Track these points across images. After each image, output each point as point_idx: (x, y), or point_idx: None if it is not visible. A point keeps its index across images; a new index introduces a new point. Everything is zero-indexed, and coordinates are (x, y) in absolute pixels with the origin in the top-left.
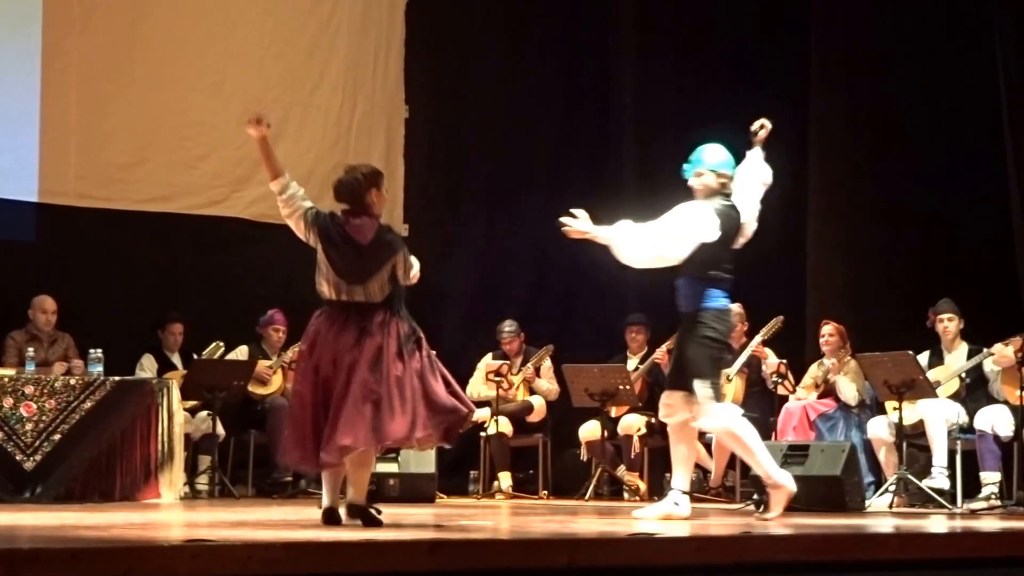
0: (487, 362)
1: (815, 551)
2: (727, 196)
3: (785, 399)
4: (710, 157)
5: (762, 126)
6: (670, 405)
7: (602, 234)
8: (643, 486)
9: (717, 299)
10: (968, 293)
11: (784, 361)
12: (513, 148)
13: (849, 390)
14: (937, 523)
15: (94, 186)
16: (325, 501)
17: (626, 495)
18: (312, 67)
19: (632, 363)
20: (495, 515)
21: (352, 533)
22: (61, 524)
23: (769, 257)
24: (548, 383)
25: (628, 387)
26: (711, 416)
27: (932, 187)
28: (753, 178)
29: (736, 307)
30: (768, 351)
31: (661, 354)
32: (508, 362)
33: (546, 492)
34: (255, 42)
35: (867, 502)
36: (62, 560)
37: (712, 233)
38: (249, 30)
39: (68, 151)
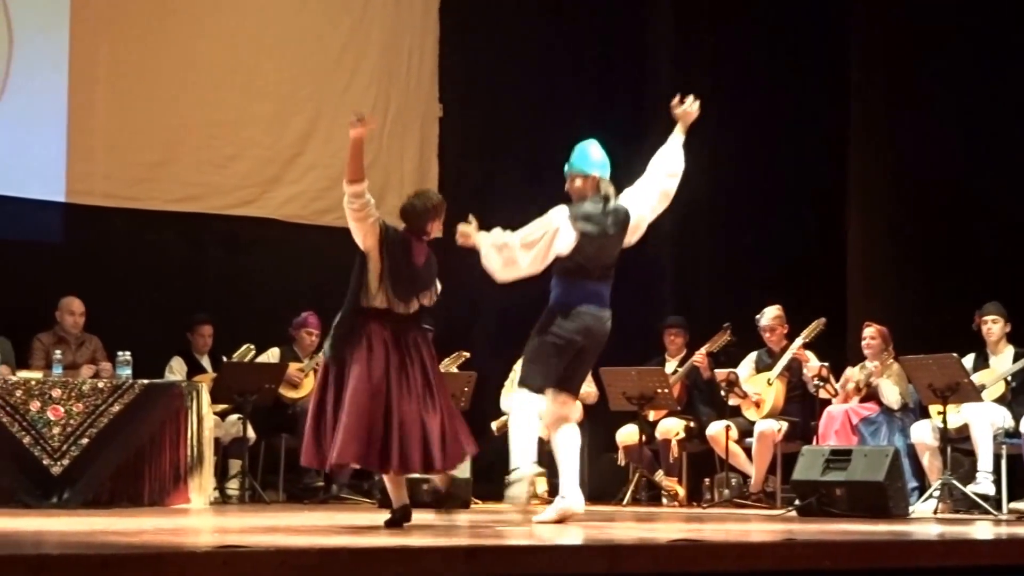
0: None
1: (858, 558)
2: (604, 198)
3: (827, 403)
4: (577, 159)
5: (680, 102)
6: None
7: (477, 241)
8: (682, 491)
9: (571, 299)
10: (1015, 295)
11: (826, 364)
12: (548, 147)
13: (892, 394)
14: (983, 529)
15: (122, 186)
16: (398, 501)
17: (664, 500)
18: (344, 65)
19: (670, 366)
20: (531, 521)
21: (388, 539)
22: (90, 530)
23: (810, 258)
24: (585, 386)
25: (666, 390)
26: (511, 398)
27: (978, 188)
28: (659, 168)
29: (776, 309)
30: (809, 354)
31: (700, 357)
32: None
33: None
34: (286, 40)
35: (911, 508)
36: (91, 566)
37: (564, 245)
38: (280, 27)
39: (96, 150)
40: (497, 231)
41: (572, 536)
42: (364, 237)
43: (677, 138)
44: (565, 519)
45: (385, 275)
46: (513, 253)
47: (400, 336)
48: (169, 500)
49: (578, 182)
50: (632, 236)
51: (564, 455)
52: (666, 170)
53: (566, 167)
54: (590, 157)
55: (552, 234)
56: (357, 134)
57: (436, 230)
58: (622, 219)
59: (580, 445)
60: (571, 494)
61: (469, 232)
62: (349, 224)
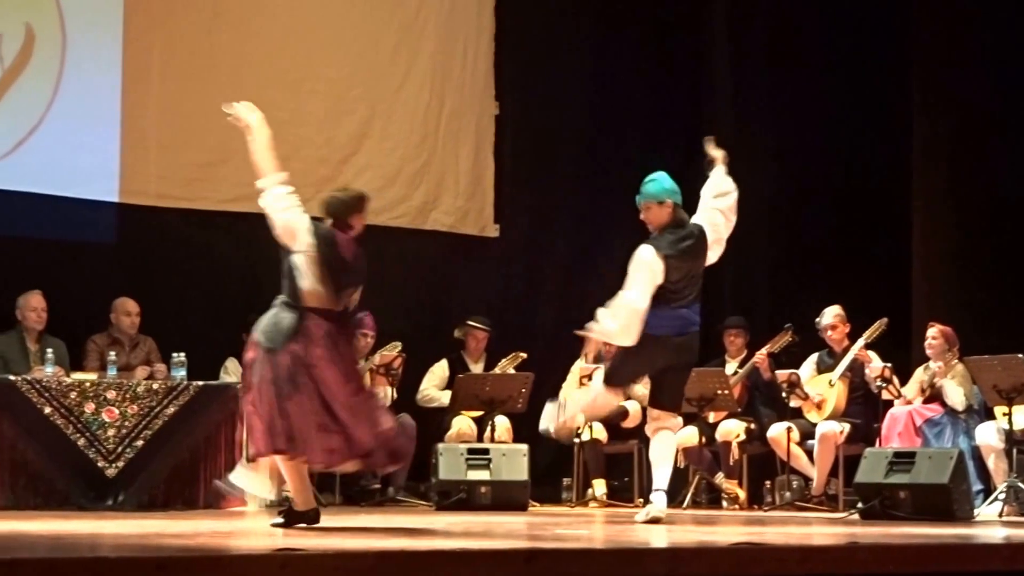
0: (580, 366)
1: (922, 561)
2: (681, 224)
3: (890, 404)
4: (649, 188)
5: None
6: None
7: (601, 332)
8: (742, 494)
9: (652, 326)
10: None
11: (889, 365)
12: (606, 145)
13: (956, 395)
14: None
15: (175, 186)
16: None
17: (725, 503)
18: (398, 63)
19: (731, 367)
20: (590, 524)
21: (445, 542)
22: (145, 532)
23: (874, 258)
24: (644, 388)
25: (726, 392)
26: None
27: None
28: (705, 197)
29: (836, 308)
30: (872, 354)
31: (761, 358)
32: (602, 366)
33: (642, 500)
34: (339, 39)
35: (976, 511)
36: (148, 569)
37: (659, 277)
38: (333, 27)
39: (149, 150)
40: (600, 311)
41: (632, 539)
42: (293, 230)
43: (717, 170)
44: (652, 522)
45: (319, 270)
46: (629, 310)
47: (336, 333)
48: (224, 503)
49: (653, 210)
50: (712, 253)
51: (654, 461)
52: (711, 193)
53: (638, 198)
54: (663, 185)
55: (651, 273)
56: (244, 127)
57: (359, 225)
58: (698, 240)
59: (671, 452)
60: (655, 499)
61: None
62: (277, 222)
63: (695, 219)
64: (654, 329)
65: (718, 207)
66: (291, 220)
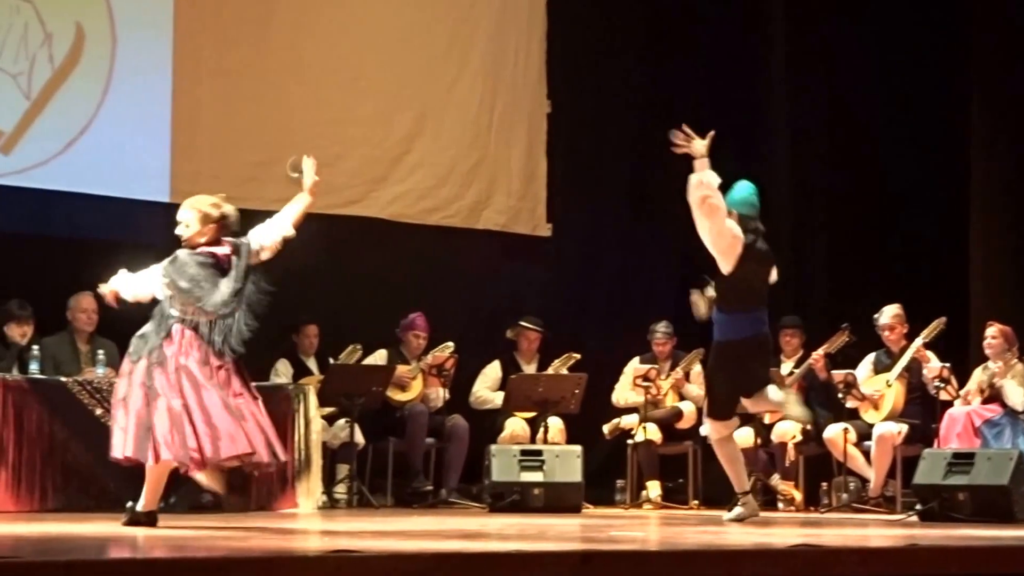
0: (635, 366)
1: (982, 564)
2: (753, 232)
3: (948, 405)
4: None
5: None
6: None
7: (702, 164)
8: (798, 496)
9: (729, 331)
10: None
11: (947, 365)
12: (659, 143)
13: (1016, 395)
14: None
15: (227, 186)
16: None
17: (780, 505)
18: (451, 61)
19: (786, 367)
20: (644, 526)
21: (500, 544)
22: (198, 534)
23: (930, 254)
24: (699, 388)
25: None
26: None
27: None
28: None
29: (895, 307)
30: (930, 354)
31: (816, 359)
32: (656, 366)
33: (696, 502)
34: (391, 36)
35: None
36: (205, 570)
37: (738, 233)
38: (385, 25)
39: (200, 150)
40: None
41: (688, 542)
42: (154, 288)
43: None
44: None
45: (181, 291)
46: (708, 196)
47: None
48: (276, 504)
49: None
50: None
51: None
52: None
53: None
54: (730, 196)
55: (732, 231)
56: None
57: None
58: (766, 252)
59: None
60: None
61: (699, 145)
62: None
63: None
64: (736, 333)
65: None
66: (147, 287)
